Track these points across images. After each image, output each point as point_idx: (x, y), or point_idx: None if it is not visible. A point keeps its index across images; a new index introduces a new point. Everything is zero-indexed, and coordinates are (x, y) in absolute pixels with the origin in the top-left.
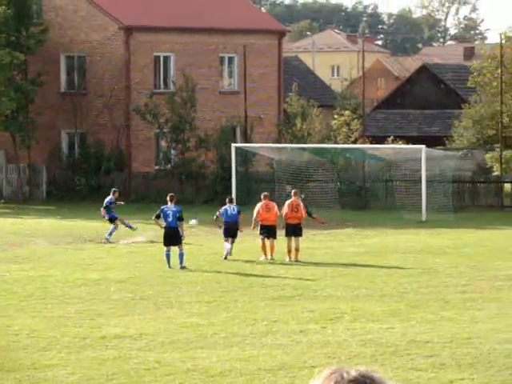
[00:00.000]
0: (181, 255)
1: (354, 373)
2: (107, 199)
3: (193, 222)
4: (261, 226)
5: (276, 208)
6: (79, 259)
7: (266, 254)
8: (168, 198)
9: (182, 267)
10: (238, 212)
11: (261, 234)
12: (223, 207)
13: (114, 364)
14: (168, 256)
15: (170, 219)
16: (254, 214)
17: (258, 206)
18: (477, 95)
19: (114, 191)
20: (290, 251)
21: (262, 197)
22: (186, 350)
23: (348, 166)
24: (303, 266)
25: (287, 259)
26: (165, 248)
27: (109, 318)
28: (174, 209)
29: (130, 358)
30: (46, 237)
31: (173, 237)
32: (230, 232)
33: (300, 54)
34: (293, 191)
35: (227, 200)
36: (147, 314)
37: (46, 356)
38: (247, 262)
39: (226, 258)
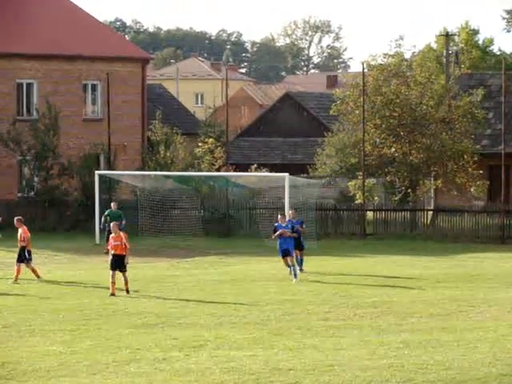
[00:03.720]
0: None
1: None
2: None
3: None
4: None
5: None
6: None
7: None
8: None
9: None
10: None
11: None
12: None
13: None
14: None
15: None
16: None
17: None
18: (339, 123)
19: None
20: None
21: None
22: (49, 378)
23: (212, 193)
24: (166, 293)
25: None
26: None
27: None
28: None
29: None
30: None
31: None
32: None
33: (164, 82)
34: (112, 224)
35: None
36: (9, 341)
37: None
38: (109, 289)
39: None
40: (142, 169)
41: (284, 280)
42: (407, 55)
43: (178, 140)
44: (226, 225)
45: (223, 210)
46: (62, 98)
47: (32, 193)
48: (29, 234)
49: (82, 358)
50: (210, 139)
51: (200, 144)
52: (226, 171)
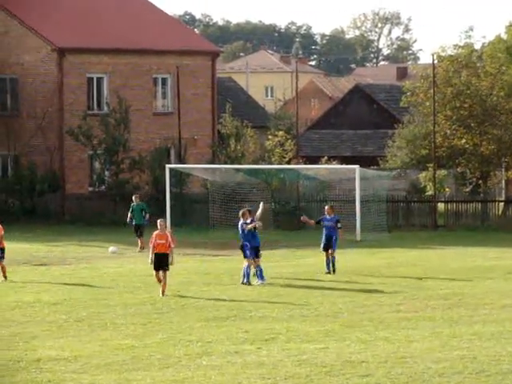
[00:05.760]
0: None
1: None
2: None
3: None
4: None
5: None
6: (12, 282)
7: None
8: None
9: None
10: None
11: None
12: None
13: None
14: None
15: None
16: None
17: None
18: (410, 115)
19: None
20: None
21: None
22: (121, 372)
23: (282, 186)
24: (238, 286)
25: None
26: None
27: (43, 340)
28: None
29: (65, 381)
30: None
31: None
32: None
33: (234, 75)
34: (158, 221)
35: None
36: (82, 335)
37: None
38: (181, 283)
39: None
40: (213, 162)
41: (355, 272)
42: (477, 46)
43: (249, 133)
44: (296, 217)
45: (294, 203)
46: (132, 91)
47: (103, 187)
48: (2, 232)
49: (155, 352)
50: (280, 132)
51: (270, 137)
52: (297, 164)
